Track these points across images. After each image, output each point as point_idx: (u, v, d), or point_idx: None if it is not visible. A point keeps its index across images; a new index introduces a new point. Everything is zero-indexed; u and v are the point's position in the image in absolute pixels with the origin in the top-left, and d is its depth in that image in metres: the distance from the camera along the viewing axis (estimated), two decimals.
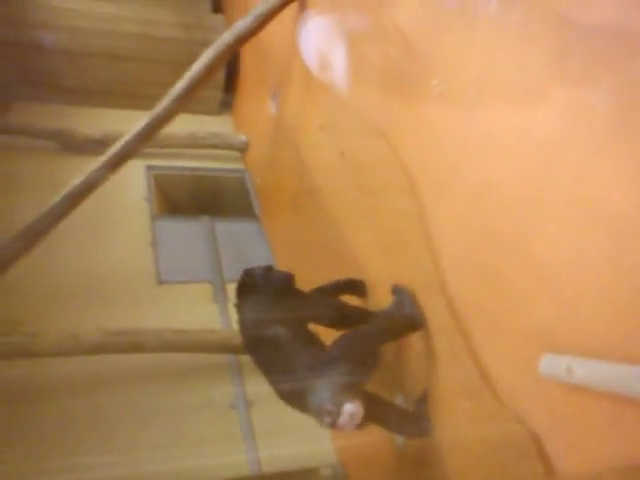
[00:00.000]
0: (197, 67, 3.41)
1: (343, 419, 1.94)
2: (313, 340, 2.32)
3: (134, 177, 4.41)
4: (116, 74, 4.96)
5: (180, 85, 3.37)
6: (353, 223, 2.85)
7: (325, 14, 3.23)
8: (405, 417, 2.31)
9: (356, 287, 2.79)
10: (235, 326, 3.52)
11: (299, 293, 2.54)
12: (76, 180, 3.17)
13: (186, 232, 4.22)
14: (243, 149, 4.78)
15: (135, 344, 3.14)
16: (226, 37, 3.48)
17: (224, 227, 4.24)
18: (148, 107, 3.33)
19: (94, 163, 3.23)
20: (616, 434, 1.47)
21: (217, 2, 5.64)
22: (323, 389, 1.99)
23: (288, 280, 2.51)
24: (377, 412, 2.17)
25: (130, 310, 3.45)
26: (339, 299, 2.65)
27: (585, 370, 1.54)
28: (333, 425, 1.95)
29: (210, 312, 3.64)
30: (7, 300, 3.16)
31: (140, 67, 4.98)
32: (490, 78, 2.00)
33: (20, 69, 4.77)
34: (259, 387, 3.24)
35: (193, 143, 4.70)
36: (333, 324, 2.48)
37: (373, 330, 2.37)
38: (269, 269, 2.52)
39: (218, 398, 3.21)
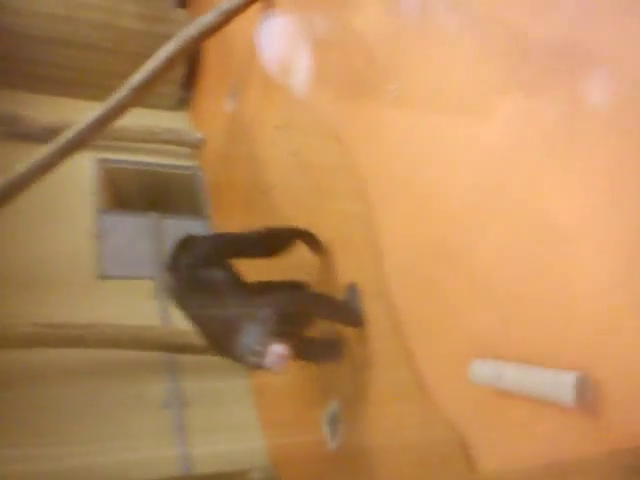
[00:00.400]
0: (157, 59, 3.33)
1: (269, 359, 2.02)
2: (249, 286, 2.42)
3: (84, 169, 4.29)
4: (74, 62, 4.82)
5: (138, 77, 3.29)
6: (303, 222, 2.83)
7: (289, 15, 3.22)
8: (338, 306, 2.43)
9: (308, 238, 2.75)
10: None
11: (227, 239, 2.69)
12: (21, 166, 3.06)
13: (132, 227, 4.13)
14: (198, 146, 4.71)
15: (72, 338, 3.05)
16: (189, 31, 3.42)
17: (172, 224, 4.16)
18: (104, 98, 3.24)
19: (40, 151, 3.13)
20: (537, 435, 1.48)
21: None
22: (253, 331, 2.07)
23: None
24: (315, 309, 2.38)
25: (69, 303, 3.35)
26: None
27: (512, 375, 1.55)
28: (259, 365, 2.04)
29: (150, 309, 3.56)
30: None
31: (100, 57, 4.86)
32: (444, 87, 2.02)
33: None
34: (195, 386, 3.20)
35: (148, 138, 4.61)
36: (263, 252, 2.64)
37: (314, 299, 2.49)
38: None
39: (152, 396, 3.13)
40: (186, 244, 2.52)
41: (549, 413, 1.44)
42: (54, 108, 4.50)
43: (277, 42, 3.41)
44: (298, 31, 3.14)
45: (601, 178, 1.40)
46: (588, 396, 1.32)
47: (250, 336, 2.07)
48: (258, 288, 2.42)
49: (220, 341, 2.23)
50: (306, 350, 2.40)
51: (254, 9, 3.56)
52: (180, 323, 3.41)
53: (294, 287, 2.58)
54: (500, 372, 1.55)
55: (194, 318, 2.32)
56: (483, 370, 1.64)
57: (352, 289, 2.42)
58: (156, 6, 5.24)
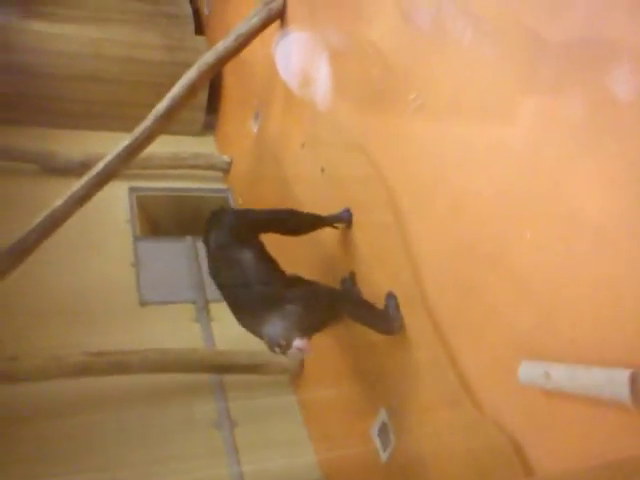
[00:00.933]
0: (179, 87, 3.42)
1: (292, 352, 2.15)
2: (274, 270, 2.47)
3: (117, 198, 4.39)
4: (99, 96, 4.96)
5: (162, 106, 3.38)
6: (334, 237, 2.86)
7: (304, 32, 3.27)
8: (377, 314, 2.45)
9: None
10: (218, 344, 3.55)
11: (255, 212, 2.81)
12: (57, 201, 3.16)
13: (169, 253, 4.21)
14: (226, 169, 4.79)
15: (118, 365, 3.11)
16: (208, 57, 3.51)
17: None
18: (131, 129, 3.34)
19: (75, 185, 3.23)
20: (592, 435, 1.48)
21: (200, 24, 5.70)
22: (278, 323, 2.16)
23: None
24: (352, 311, 2.42)
25: (112, 331, 3.42)
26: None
27: (561, 374, 1.55)
28: (283, 354, 2.17)
29: (193, 332, 3.62)
30: None
31: (123, 89, 4.99)
32: (465, 92, 2.04)
33: (2, 93, 4.77)
34: (243, 405, 3.24)
35: (176, 164, 4.71)
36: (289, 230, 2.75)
37: (346, 297, 2.55)
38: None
39: (201, 417, 3.17)
40: (216, 218, 2.64)
41: (603, 412, 1.44)
42: (84, 142, 4.62)
43: (295, 60, 3.47)
44: (314, 48, 3.19)
45: (633, 170, 1.41)
46: None
47: (274, 328, 2.15)
48: (290, 279, 2.46)
49: (246, 321, 2.33)
50: (356, 315, 2.46)
51: (270, 30, 3.63)
52: (223, 344, 3.52)
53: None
54: (549, 372, 1.55)
55: (224, 296, 2.44)
56: (531, 371, 1.64)
57: (390, 297, 2.44)
58: (175, 35, 5.35)
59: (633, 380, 1.32)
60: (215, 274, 2.50)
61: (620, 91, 1.47)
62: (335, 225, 2.81)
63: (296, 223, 2.77)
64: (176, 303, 3.83)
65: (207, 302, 3.83)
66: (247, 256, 2.42)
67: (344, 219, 2.76)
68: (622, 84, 1.46)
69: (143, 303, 3.77)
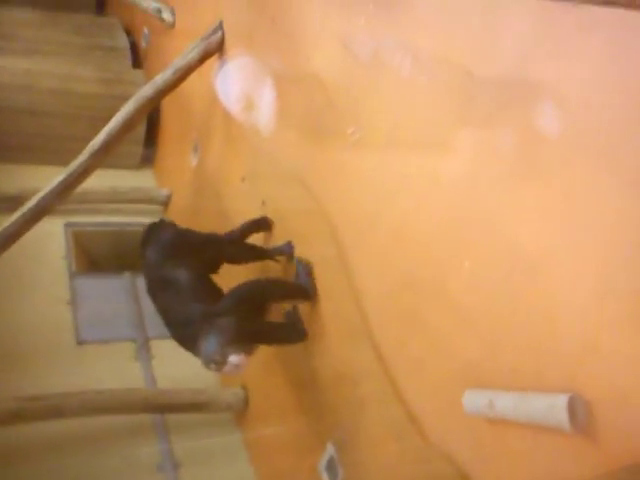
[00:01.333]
0: (116, 121, 3.37)
1: (228, 368, 2.19)
2: (209, 289, 2.52)
3: (52, 234, 4.24)
4: (34, 129, 4.83)
5: (98, 139, 3.32)
6: (277, 270, 2.85)
7: (243, 66, 3.29)
8: (282, 328, 2.62)
9: (261, 225, 2.93)
10: (159, 383, 3.45)
11: (194, 234, 2.80)
12: None
13: (107, 289, 4.10)
14: (165, 202, 4.71)
15: (54, 409, 2.97)
16: (145, 91, 3.48)
17: None
18: (67, 162, 3.26)
19: (7, 221, 3.11)
20: (538, 461, 1.50)
21: (137, 57, 5.66)
22: (212, 339, 2.19)
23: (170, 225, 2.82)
24: (258, 337, 2.43)
25: (48, 373, 3.28)
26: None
27: (505, 403, 1.58)
28: (219, 371, 2.25)
29: (133, 371, 3.50)
30: None
31: (60, 122, 4.87)
32: (402, 125, 2.09)
33: None
34: (187, 446, 3.15)
35: (114, 198, 4.61)
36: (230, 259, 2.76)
37: (264, 284, 2.62)
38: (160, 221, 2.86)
39: (144, 460, 3.06)
40: (154, 233, 2.69)
41: (546, 438, 1.46)
42: (19, 176, 4.47)
43: (234, 93, 3.48)
44: (253, 81, 3.20)
45: (565, 201, 1.46)
46: (582, 417, 1.35)
47: (210, 345, 2.19)
48: (218, 290, 2.55)
49: (182, 339, 2.38)
50: (268, 335, 2.52)
51: (208, 64, 3.64)
52: (164, 382, 3.42)
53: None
54: (492, 401, 1.57)
55: (159, 313, 2.51)
56: (475, 400, 1.66)
57: (299, 263, 2.60)
58: (112, 68, 5.28)
59: (571, 404, 1.36)
60: (151, 291, 2.56)
61: (548, 126, 1.53)
62: (276, 258, 2.81)
63: (235, 251, 2.79)
64: (115, 341, 3.72)
65: (147, 339, 3.73)
66: (182, 275, 2.46)
67: (285, 252, 2.77)
68: (549, 120, 1.53)
69: (80, 342, 3.64)
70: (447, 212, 1.86)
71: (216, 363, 2.17)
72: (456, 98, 1.84)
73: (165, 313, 2.48)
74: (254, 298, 2.46)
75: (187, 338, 2.33)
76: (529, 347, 1.56)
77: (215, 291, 2.54)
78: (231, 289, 2.48)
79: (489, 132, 1.73)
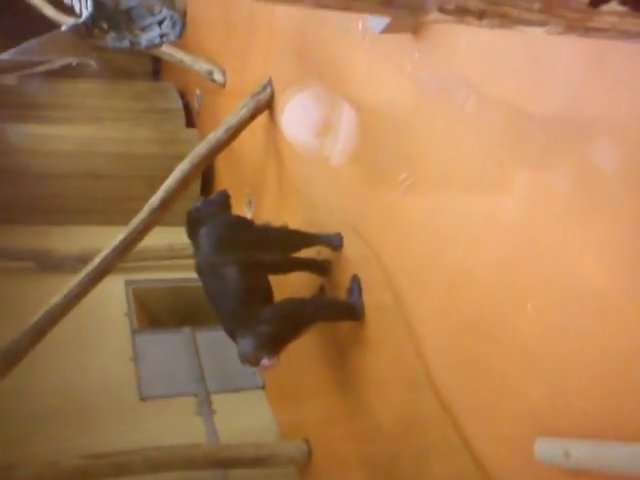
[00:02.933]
0: (172, 179, 3.49)
1: (260, 368, 2.42)
2: (258, 290, 2.59)
3: (114, 292, 4.37)
4: (95, 192, 5.05)
5: (156, 198, 3.43)
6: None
7: (292, 120, 3.37)
8: (341, 308, 2.67)
9: (321, 267, 2.94)
10: (222, 437, 3.44)
11: (251, 226, 2.93)
12: (55, 298, 3.15)
13: (167, 345, 4.16)
14: None
15: (119, 466, 2.99)
16: (200, 149, 3.59)
17: (206, 337, 4.18)
18: (127, 222, 3.37)
19: (72, 281, 3.22)
20: None
21: (190, 117, 5.88)
22: (248, 341, 2.36)
23: (223, 197, 2.96)
24: (319, 315, 2.60)
25: (112, 430, 3.33)
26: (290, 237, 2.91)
27: (581, 452, 1.50)
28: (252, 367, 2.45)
29: (195, 425, 3.52)
30: None
31: (118, 184, 5.08)
32: (456, 169, 2.08)
33: (1, 195, 4.85)
34: None
35: (171, 255, 4.72)
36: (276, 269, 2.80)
37: (311, 305, 2.65)
38: (204, 199, 3.00)
39: None
40: (212, 222, 2.76)
41: None
42: (81, 238, 4.65)
43: (288, 145, 3.55)
44: (303, 135, 3.27)
45: (627, 234, 1.42)
46: None
47: (245, 345, 2.37)
48: (268, 292, 2.64)
49: (224, 327, 2.52)
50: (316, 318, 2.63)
51: (259, 120, 3.74)
52: (227, 436, 3.41)
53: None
54: (567, 449, 1.50)
55: (208, 297, 2.63)
56: (548, 449, 1.59)
57: (353, 280, 2.63)
58: (166, 129, 5.51)
59: None
60: (199, 274, 2.68)
61: (603, 160, 1.50)
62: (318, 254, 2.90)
63: (280, 264, 2.84)
64: (177, 397, 3.76)
65: (208, 394, 3.75)
66: (231, 272, 2.54)
67: (333, 242, 2.82)
68: (604, 154, 1.50)
69: (143, 398, 3.69)
70: (506, 254, 1.83)
71: (249, 362, 2.37)
72: (508, 139, 1.83)
73: (211, 299, 2.60)
74: (299, 318, 2.52)
75: (229, 329, 2.49)
76: (602, 389, 1.49)
77: (264, 293, 2.62)
78: (279, 302, 2.59)
79: (545, 170, 1.70)
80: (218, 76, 4.75)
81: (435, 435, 2.18)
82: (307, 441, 3.19)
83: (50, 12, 5.44)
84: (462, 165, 2.04)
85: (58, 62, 4.41)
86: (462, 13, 0.67)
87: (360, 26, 2.53)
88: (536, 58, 1.69)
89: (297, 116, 3.32)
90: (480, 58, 1.93)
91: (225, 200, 2.98)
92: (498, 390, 1.86)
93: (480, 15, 0.67)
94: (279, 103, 3.60)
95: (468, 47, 1.96)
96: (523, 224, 1.76)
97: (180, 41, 4.57)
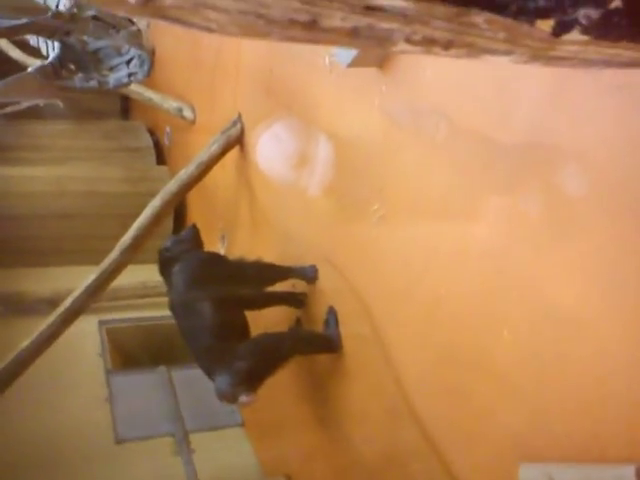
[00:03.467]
0: (144, 217, 3.47)
1: (238, 404, 2.44)
2: (234, 325, 2.58)
3: (87, 333, 4.28)
4: (66, 232, 4.98)
5: (128, 236, 3.41)
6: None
7: (264, 155, 3.39)
8: (318, 342, 2.67)
9: (296, 299, 2.93)
10: (201, 477, 3.36)
11: (224, 261, 2.92)
12: (24, 342, 3.08)
13: (142, 384, 4.08)
14: None
15: None
16: (171, 186, 3.59)
17: (182, 375, 4.11)
18: (99, 261, 3.33)
19: (43, 323, 3.16)
20: None
21: (161, 155, 5.87)
22: (225, 378, 2.34)
23: (193, 232, 2.94)
24: (297, 349, 2.59)
25: (89, 475, 3.25)
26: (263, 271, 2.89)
27: (565, 477, 1.50)
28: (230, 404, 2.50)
29: (173, 466, 3.43)
30: None
31: (89, 223, 5.03)
32: (427, 198, 2.10)
33: None
34: None
35: (145, 293, 4.66)
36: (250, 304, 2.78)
37: (288, 340, 2.65)
38: (175, 236, 3.01)
39: None
40: (185, 259, 2.74)
41: None
42: (53, 279, 4.58)
43: (258, 181, 3.57)
44: (274, 168, 3.29)
45: (599, 256, 1.44)
46: None
47: (222, 382, 2.35)
48: (243, 327, 2.64)
49: (200, 364, 2.51)
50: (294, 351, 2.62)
51: (230, 155, 3.75)
52: (206, 476, 3.34)
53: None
54: (550, 474, 1.50)
55: (181, 334, 2.61)
56: (532, 475, 1.58)
57: (330, 311, 2.63)
58: (137, 167, 5.49)
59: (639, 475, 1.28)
60: (173, 311, 2.65)
61: (571, 185, 1.53)
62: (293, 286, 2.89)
63: (256, 299, 2.84)
64: (154, 437, 3.67)
65: (186, 433, 3.68)
66: (206, 308, 2.52)
67: (307, 275, 2.81)
68: (572, 178, 1.53)
69: (119, 441, 3.60)
70: (480, 281, 1.85)
71: (227, 399, 2.37)
72: (477, 166, 1.86)
73: (186, 336, 2.58)
74: (276, 353, 2.50)
75: (205, 366, 2.47)
76: (582, 412, 1.50)
77: (240, 328, 2.62)
78: (255, 337, 2.59)
79: (515, 197, 1.74)
80: (188, 113, 4.77)
81: (417, 465, 2.16)
82: (289, 477, 3.13)
83: (16, 54, 5.44)
84: (433, 194, 2.07)
85: (25, 103, 4.39)
86: (429, 43, 0.68)
87: (327, 60, 2.57)
88: (502, 87, 1.74)
89: (269, 151, 3.34)
90: (446, 88, 1.97)
91: (195, 235, 2.97)
92: (479, 417, 1.86)
93: (447, 45, 0.69)
94: (249, 138, 3.62)
95: (434, 78, 2.01)
96: (495, 250, 1.78)
97: (148, 80, 4.61)
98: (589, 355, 1.48)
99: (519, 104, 1.68)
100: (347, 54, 2.18)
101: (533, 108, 1.63)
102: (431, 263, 2.05)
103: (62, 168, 5.25)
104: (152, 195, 3.59)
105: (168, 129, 5.69)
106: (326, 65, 2.60)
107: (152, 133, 6.15)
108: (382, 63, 2.20)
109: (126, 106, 7.39)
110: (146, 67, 3.28)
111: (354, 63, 2.21)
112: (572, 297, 1.52)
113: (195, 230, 2.97)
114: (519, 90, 1.68)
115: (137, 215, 3.47)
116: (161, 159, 5.84)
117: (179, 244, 2.85)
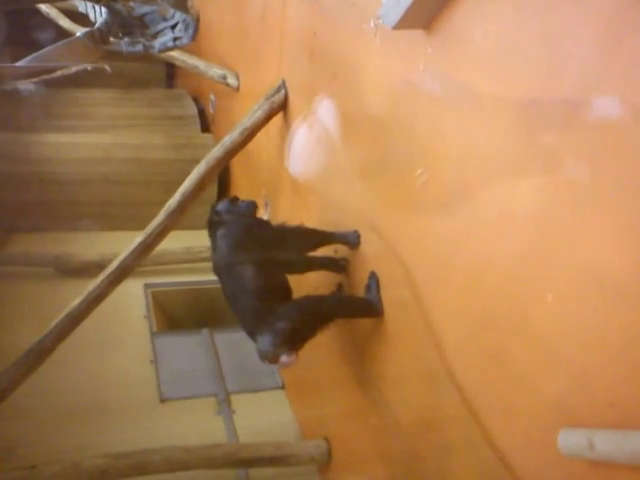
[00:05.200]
0: (188, 183, 3.52)
1: (280, 364, 2.41)
2: (276, 288, 2.61)
3: (133, 295, 4.42)
4: (112, 198, 5.11)
5: (173, 201, 3.46)
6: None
7: (307, 121, 3.38)
8: (359, 305, 2.66)
9: (337, 265, 2.93)
10: (241, 437, 3.45)
11: (269, 227, 2.89)
12: (74, 302, 3.18)
13: (186, 346, 4.18)
14: None
15: (140, 466, 3.02)
16: (215, 152, 3.61)
17: (224, 338, 4.21)
18: (144, 227, 3.40)
19: (91, 284, 3.26)
20: None
21: (206, 123, 5.92)
22: (267, 339, 2.37)
23: (251, 207, 2.90)
24: (338, 312, 2.61)
25: (133, 430, 3.38)
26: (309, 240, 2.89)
27: (606, 442, 1.48)
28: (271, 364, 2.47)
29: (215, 425, 3.53)
30: (6, 425, 3.09)
31: (134, 189, 5.14)
32: (471, 162, 2.07)
33: (18, 202, 4.93)
34: None
35: (189, 258, 4.76)
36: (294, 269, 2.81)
37: (330, 302, 2.67)
38: (233, 200, 2.93)
39: None
40: (231, 221, 2.77)
41: None
42: (100, 243, 4.72)
43: (301, 148, 3.57)
44: (319, 133, 3.28)
45: None
46: None
47: (264, 344, 2.37)
48: (286, 290, 2.67)
49: (243, 325, 2.53)
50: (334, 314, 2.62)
51: (273, 122, 3.76)
52: (247, 436, 3.42)
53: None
54: (591, 440, 1.48)
55: (224, 294, 2.63)
56: (572, 440, 1.57)
57: (371, 277, 2.63)
58: (182, 135, 5.56)
59: None
60: (217, 272, 2.68)
61: (623, 144, 1.48)
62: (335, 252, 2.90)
63: (297, 264, 2.85)
64: (197, 397, 3.78)
65: (228, 394, 3.77)
66: (248, 271, 2.54)
67: (350, 241, 2.82)
68: (625, 136, 1.47)
69: (163, 400, 3.72)
70: (523, 245, 1.82)
71: (268, 360, 2.38)
72: (522, 128, 1.82)
73: (230, 298, 2.60)
74: (317, 315, 2.52)
75: (247, 327, 2.50)
76: (626, 380, 1.48)
77: (282, 291, 2.64)
78: (297, 299, 2.59)
79: (561, 157, 1.69)
80: (232, 80, 4.78)
81: (456, 431, 2.17)
82: (327, 440, 3.19)
83: (66, 23, 5.53)
84: (477, 158, 2.03)
85: (74, 68, 4.47)
86: None
87: (372, 23, 2.53)
88: (553, 46, 1.68)
89: (314, 117, 3.33)
90: (494, 50, 1.92)
91: (253, 211, 2.96)
92: (519, 384, 1.85)
93: None
94: (293, 104, 3.62)
95: (482, 39, 1.95)
96: (539, 215, 1.74)
97: (193, 47, 4.64)
98: (635, 322, 1.44)
99: (569, 64, 1.63)
100: (393, 15, 2.14)
101: (584, 68, 1.58)
102: (475, 227, 2.03)
103: (108, 136, 5.36)
104: (196, 162, 3.63)
105: (212, 97, 5.72)
106: (371, 27, 2.56)
107: (197, 101, 6.20)
108: (428, 24, 2.16)
109: (171, 74, 7.46)
110: (191, 31, 3.29)
111: (400, 25, 2.17)
112: (619, 262, 1.48)
113: (255, 207, 2.97)
114: (570, 49, 1.62)
115: (182, 182, 3.52)
116: (206, 127, 5.89)
117: (231, 211, 2.86)
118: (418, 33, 2.21)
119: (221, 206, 2.88)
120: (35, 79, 4.25)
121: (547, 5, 1.69)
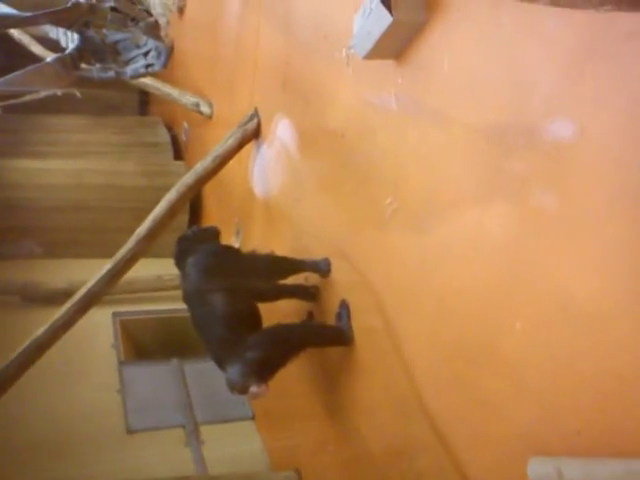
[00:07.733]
0: (159, 210, 3.49)
1: (249, 396, 2.39)
2: (246, 316, 2.59)
3: (101, 324, 4.34)
4: (82, 224, 5.04)
5: (143, 228, 3.42)
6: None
7: (279, 150, 3.39)
8: (330, 334, 2.66)
9: (307, 292, 2.93)
10: (210, 468, 3.38)
11: (238, 255, 2.91)
12: (40, 329, 3.11)
13: (155, 376, 4.11)
14: None
15: None
16: (187, 179, 3.60)
17: (194, 368, 4.14)
18: (114, 254, 3.35)
19: (58, 312, 3.19)
20: None
21: (178, 150, 5.91)
22: (236, 369, 2.34)
23: (215, 232, 2.96)
24: (309, 341, 2.59)
25: (99, 464, 3.29)
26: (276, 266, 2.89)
27: (575, 471, 1.47)
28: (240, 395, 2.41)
29: (183, 457, 3.46)
30: None
31: (105, 216, 5.08)
32: (439, 189, 2.09)
33: None
34: None
35: (160, 286, 4.69)
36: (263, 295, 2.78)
37: (300, 330, 2.67)
38: (195, 228, 3.04)
39: None
40: (198, 251, 2.75)
41: None
42: (68, 270, 4.63)
43: (272, 175, 3.58)
44: (290, 162, 3.30)
45: (618, 250, 1.42)
46: None
47: (233, 372, 2.35)
48: (256, 318, 2.64)
49: (212, 356, 2.50)
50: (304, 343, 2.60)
51: (246, 149, 3.76)
52: (216, 467, 3.35)
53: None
54: (560, 468, 1.48)
55: (193, 324, 2.62)
56: (541, 469, 1.56)
57: (342, 305, 2.63)
58: (154, 162, 5.53)
59: None
60: (187, 301, 2.68)
61: (593, 174, 1.50)
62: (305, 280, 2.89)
63: (266, 291, 2.83)
64: (165, 428, 3.71)
65: (197, 425, 3.70)
66: (218, 299, 2.53)
67: (321, 268, 2.81)
68: (595, 167, 1.50)
69: (130, 431, 3.63)
70: (492, 273, 1.83)
71: (237, 390, 2.35)
72: (490, 156, 1.84)
73: (199, 327, 2.58)
74: (287, 344, 2.50)
75: (216, 357, 2.47)
76: (594, 409, 1.48)
77: (252, 319, 2.62)
78: (267, 328, 2.57)
79: (531, 186, 1.71)
80: (205, 108, 4.79)
81: (426, 460, 2.15)
82: (298, 471, 3.13)
83: (38, 50, 5.51)
84: (447, 187, 2.05)
85: (43, 92, 4.44)
86: None
87: (344, 52, 2.57)
88: (518, 76, 1.72)
89: (282, 145, 3.35)
90: (462, 80, 1.95)
91: (216, 237, 3.00)
92: (489, 412, 1.84)
93: None
94: (266, 132, 3.63)
95: (450, 69, 1.99)
96: (509, 244, 1.76)
97: (166, 75, 4.65)
98: (603, 351, 1.45)
99: (535, 93, 1.66)
100: (364, 45, 2.18)
101: (548, 96, 1.61)
102: (445, 255, 2.04)
103: (80, 162, 5.31)
104: (168, 189, 3.61)
105: (186, 125, 5.72)
106: (343, 57, 2.59)
107: (170, 128, 6.19)
108: (399, 54, 2.19)
109: (145, 101, 7.46)
110: (163, 58, 3.30)
111: (371, 55, 2.20)
112: (588, 291, 1.49)
113: (218, 232, 3.01)
114: (536, 79, 1.66)
115: (152, 209, 3.49)
116: (178, 154, 5.87)
117: (198, 238, 2.89)
118: (389, 63, 2.25)
119: (189, 232, 2.94)
120: (1, 103, 4.21)
121: (511, 37, 1.73)
